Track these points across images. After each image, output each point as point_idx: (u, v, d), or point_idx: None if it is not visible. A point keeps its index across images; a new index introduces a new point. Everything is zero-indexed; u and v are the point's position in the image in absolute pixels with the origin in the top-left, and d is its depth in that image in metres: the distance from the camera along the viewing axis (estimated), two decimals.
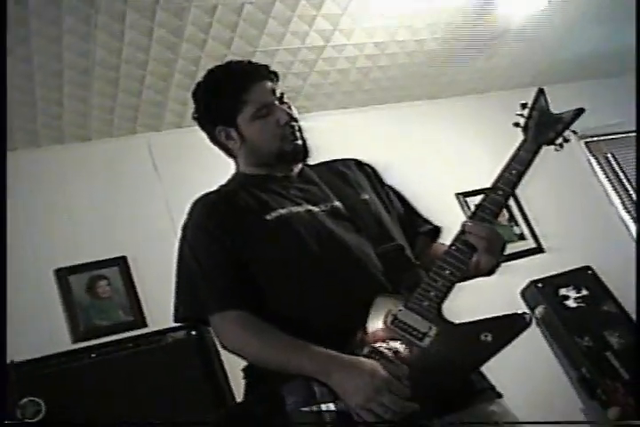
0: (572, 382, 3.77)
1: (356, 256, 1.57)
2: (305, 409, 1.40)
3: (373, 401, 1.37)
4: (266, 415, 1.45)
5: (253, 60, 1.81)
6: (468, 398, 1.52)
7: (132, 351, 3.03)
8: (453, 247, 1.53)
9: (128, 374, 2.92)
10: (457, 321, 1.53)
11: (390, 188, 1.88)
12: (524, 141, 1.60)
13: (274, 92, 1.73)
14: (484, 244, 1.53)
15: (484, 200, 1.56)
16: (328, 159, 1.88)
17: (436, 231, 1.86)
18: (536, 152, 1.59)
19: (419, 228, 1.85)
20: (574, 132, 1.61)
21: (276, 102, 1.72)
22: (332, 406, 1.39)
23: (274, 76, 1.77)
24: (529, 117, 1.61)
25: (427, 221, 1.88)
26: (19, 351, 2.83)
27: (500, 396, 1.60)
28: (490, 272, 1.63)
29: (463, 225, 1.55)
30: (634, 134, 4.77)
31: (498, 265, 1.62)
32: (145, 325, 3.35)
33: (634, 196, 4.62)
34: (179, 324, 1.81)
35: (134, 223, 3.59)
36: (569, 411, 3.68)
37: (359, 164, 1.88)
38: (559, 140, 1.61)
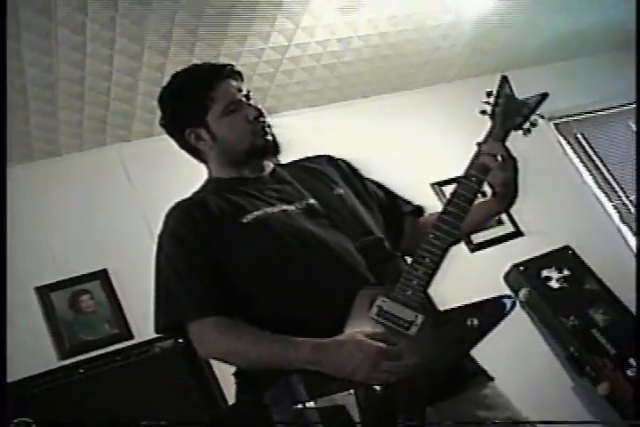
0: (560, 362, 3.81)
1: (336, 252, 1.58)
2: (288, 412, 1.40)
3: (374, 371, 1.41)
4: (253, 420, 1.45)
5: None
6: (461, 384, 1.54)
7: (120, 364, 3.02)
8: (462, 186, 1.55)
9: (118, 387, 2.91)
10: (442, 308, 1.55)
11: (366, 179, 1.89)
12: (493, 128, 1.62)
13: (240, 90, 1.74)
14: (497, 162, 1.56)
15: (458, 188, 1.57)
16: (299, 158, 1.89)
17: (419, 210, 1.90)
18: (505, 138, 1.61)
19: (403, 208, 1.88)
20: (541, 116, 1.63)
21: (243, 99, 1.73)
22: (313, 404, 1.39)
23: (238, 75, 1.77)
24: (495, 105, 1.62)
25: (409, 202, 1.91)
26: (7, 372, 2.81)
27: (491, 379, 1.63)
28: (510, 201, 1.66)
29: (478, 146, 1.59)
30: (602, 113, 4.84)
31: (516, 190, 1.64)
32: (131, 336, 3.33)
33: (605, 173, 4.67)
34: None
35: (112, 235, 3.57)
36: (559, 390, 3.72)
37: (331, 159, 1.89)
38: (526, 125, 1.62)
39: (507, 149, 1.59)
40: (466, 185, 1.56)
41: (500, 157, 1.57)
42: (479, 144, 1.60)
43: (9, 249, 3.30)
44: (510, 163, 1.60)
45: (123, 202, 3.68)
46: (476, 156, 1.59)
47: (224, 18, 3.17)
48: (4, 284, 2.57)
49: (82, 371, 2.97)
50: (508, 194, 1.65)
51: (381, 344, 1.43)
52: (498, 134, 1.60)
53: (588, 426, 3.02)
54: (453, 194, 1.57)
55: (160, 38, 3.14)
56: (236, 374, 1.62)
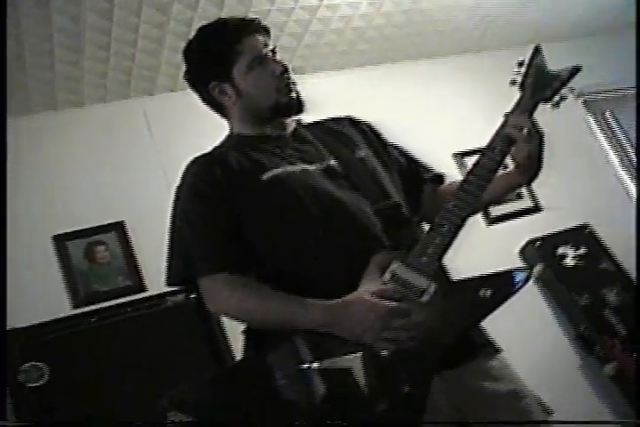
0: (569, 339, 3.81)
1: (354, 214, 1.57)
2: (296, 371, 1.41)
3: (385, 330, 1.41)
4: (256, 379, 1.46)
5: None
6: (468, 354, 1.54)
7: (131, 316, 3.05)
8: (485, 156, 1.53)
9: (128, 338, 2.94)
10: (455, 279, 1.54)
11: (388, 143, 1.87)
12: (521, 99, 1.59)
13: (266, 45, 1.72)
14: (523, 135, 1.54)
15: (481, 157, 1.55)
16: (323, 118, 1.87)
17: (440, 177, 1.89)
18: (533, 110, 1.58)
19: (423, 175, 1.87)
20: (572, 89, 1.60)
21: (269, 55, 1.71)
22: (317, 366, 1.40)
23: (265, 30, 1.76)
24: (525, 75, 1.60)
25: (430, 170, 1.89)
26: (19, 318, 2.85)
27: (498, 351, 1.62)
28: (534, 174, 1.65)
29: (505, 117, 1.57)
30: (632, 91, 4.74)
31: (540, 164, 1.62)
32: (144, 289, 3.35)
33: (632, 154, 4.60)
34: (177, 287, 1.81)
35: (131, 189, 3.58)
36: (566, 367, 3.72)
37: (353, 121, 1.87)
38: (556, 98, 1.59)
39: (534, 122, 1.56)
40: (489, 156, 1.54)
41: (526, 130, 1.55)
42: (506, 115, 1.58)
43: (28, 199, 3.34)
44: (536, 136, 1.57)
45: (143, 155, 3.68)
46: (502, 127, 1.57)
47: None
48: (4, 229, 2.59)
49: (93, 320, 3.01)
50: (531, 167, 1.63)
51: (389, 302, 1.43)
52: (526, 106, 1.58)
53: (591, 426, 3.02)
54: (476, 164, 1.55)
55: None
56: (245, 332, 1.63)
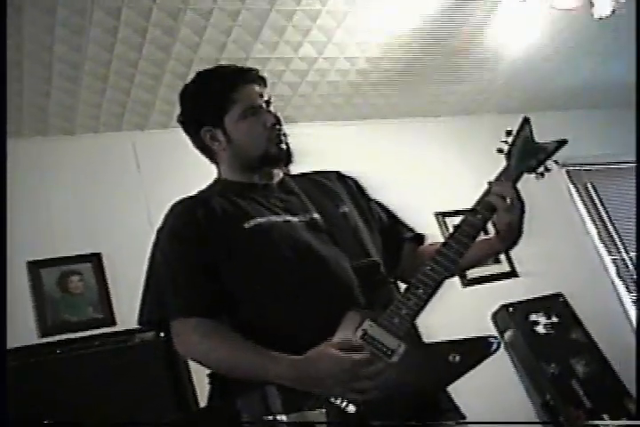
0: (535, 408, 3.78)
1: (332, 268, 1.57)
2: (261, 421, 1.39)
3: (353, 382, 1.40)
4: (223, 425, 1.44)
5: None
6: (433, 417, 1.53)
7: (98, 349, 3.01)
8: (466, 221, 1.56)
9: (92, 371, 2.90)
10: (427, 340, 1.54)
11: (372, 200, 1.89)
12: (507, 168, 1.62)
13: (261, 95, 1.74)
14: (505, 204, 1.56)
15: (462, 222, 1.57)
16: (310, 170, 1.88)
17: (420, 237, 1.89)
18: (517, 179, 1.61)
19: (403, 234, 1.87)
20: (556, 162, 1.63)
21: (264, 105, 1.73)
22: (284, 418, 1.38)
23: (262, 80, 1.77)
24: (512, 145, 1.63)
25: (411, 229, 1.90)
26: None
27: (463, 417, 1.61)
28: (513, 242, 1.66)
29: (489, 184, 1.59)
30: (615, 166, 4.84)
31: (520, 233, 1.63)
32: (114, 323, 3.32)
33: (609, 227, 4.67)
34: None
35: (112, 221, 3.57)
36: None
37: (341, 176, 1.88)
38: (540, 169, 1.62)
39: (517, 192, 1.59)
40: (470, 222, 1.56)
41: (509, 200, 1.57)
42: (490, 183, 1.60)
43: (8, 221, 3.31)
44: (518, 206, 1.59)
45: (128, 189, 3.69)
46: (486, 194, 1.59)
47: (258, 22, 3.19)
48: (4, 261, 2.56)
49: (59, 352, 2.96)
50: (511, 235, 1.64)
51: (355, 355, 1.42)
52: (510, 175, 1.60)
53: None
54: (456, 229, 1.56)
55: (193, 33, 3.16)
56: (211, 376, 1.61)
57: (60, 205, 3.56)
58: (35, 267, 3.36)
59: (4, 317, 2.35)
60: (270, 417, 1.37)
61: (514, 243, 1.67)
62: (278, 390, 1.42)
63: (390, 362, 1.44)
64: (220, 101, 1.71)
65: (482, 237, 1.64)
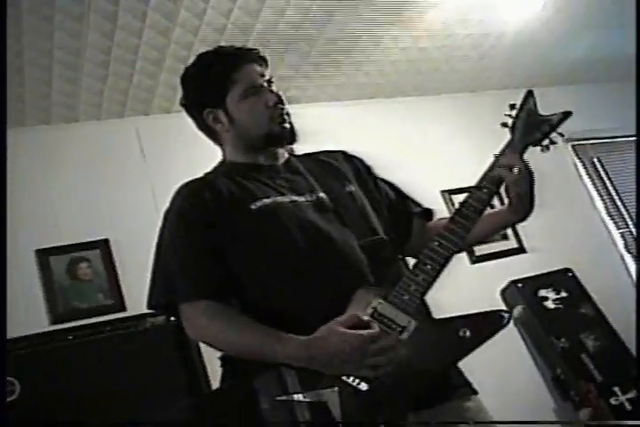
0: (546, 382, 3.80)
1: (340, 248, 1.57)
2: (277, 401, 1.40)
3: (364, 358, 1.40)
4: (239, 407, 1.45)
5: None
6: (445, 394, 1.53)
7: (109, 335, 3.02)
8: (472, 196, 1.56)
9: (104, 357, 2.91)
10: (436, 316, 1.55)
11: (379, 178, 1.88)
12: (511, 141, 1.61)
13: (262, 75, 1.73)
14: (513, 176, 1.56)
15: (468, 198, 1.57)
16: (316, 150, 1.88)
17: (429, 213, 1.89)
18: (522, 152, 1.60)
19: (412, 209, 1.87)
20: (561, 134, 1.62)
21: (265, 85, 1.72)
22: (302, 397, 1.39)
23: (262, 60, 1.77)
24: (516, 118, 1.62)
25: (419, 204, 1.90)
26: None
27: (475, 392, 1.62)
28: (525, 213, 1.65)
29: (495, 157, 1.59)
30: (621, 140, 4.81)
31: (532, 203, 1.63)
32: (124, 309, 3.33)
33: (617, 200, 4.65)
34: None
35: (118, 207, 3.58)
36: (541, 411, 3.71)
37: (346, 155, 1.88)
38: (545, 142, 1.62)
39: (524, 162, 1.58)
40: (477, 196, 1.56)
41: (516, 170, 1.56)
42: (496, 156, 1.60)
43: (14, 210, 3.32)
44: (527, 175, 1.58)
45: (133, 175, 3.69)
46: (492, 167, 1.59)
47: (258, 3, 3.16)
48: (4, 247, 2.56)
49: (70, 338, 2.98)
50: (523, 206, 1.63)
51: (363, 332, 1.42)
52: (516, 148, 1.60)
53: None
54: (463, 204, 1.56)
55: (193, 16, 3.14)
56: (222, 359, 1.61)
57: (67, 193, 3.56)
58: (43, 255, 3.37)
59: (4, 316, 2.36)
60: (287, 398, 1.38)
61: (526, 214, 1.66)
62: (296, 369, 1.42)
63: (401, 338, 1.45)
64: (220, 82, 1.70)
65: (493, 210, 1.64)
